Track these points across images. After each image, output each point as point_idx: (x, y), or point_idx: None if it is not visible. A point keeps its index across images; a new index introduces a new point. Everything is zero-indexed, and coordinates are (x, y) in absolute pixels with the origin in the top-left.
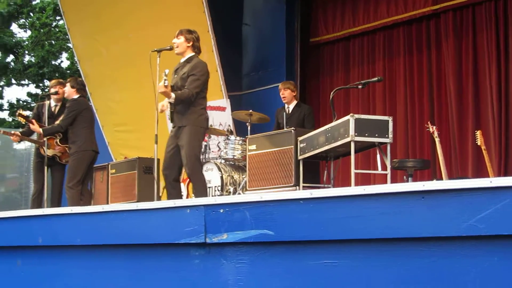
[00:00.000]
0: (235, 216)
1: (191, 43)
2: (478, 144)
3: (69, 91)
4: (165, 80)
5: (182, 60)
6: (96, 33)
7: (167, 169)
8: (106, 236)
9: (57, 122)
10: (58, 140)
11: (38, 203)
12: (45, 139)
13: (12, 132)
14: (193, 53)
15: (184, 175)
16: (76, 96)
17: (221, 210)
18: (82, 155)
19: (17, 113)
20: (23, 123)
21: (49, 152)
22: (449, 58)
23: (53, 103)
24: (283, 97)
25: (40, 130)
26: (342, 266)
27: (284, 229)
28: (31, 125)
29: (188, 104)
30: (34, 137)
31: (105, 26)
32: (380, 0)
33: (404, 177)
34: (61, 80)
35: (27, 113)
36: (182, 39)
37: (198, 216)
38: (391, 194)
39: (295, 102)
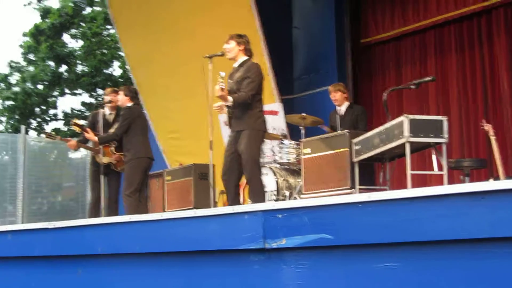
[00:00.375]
0: (293, 221)
1: (242, 47)
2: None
3: (123, 99)
4: (221, 83)
5: (236, 64)
6: (148, 40)
7: (226, 174)
8: (165, 243)
9: (112, 130)
10: (113, 148)
11: (96, 211)
12: (100, 146)
13: (69, 138)
14: (246, 57)
15: (242, 179)
16: (129, 104)
17: (279, 215)
18: (138, 162)
19: (72, 122)
20: (78, 132)
21: (104, 160)
22: (501, 55)
23: (107, 112)
24: (334, 100)
25: (96, 138)
26: (402, 269)
27: (343, 233)
28: (86, 134)
29: (245, 107)
30: (90, 145)
31: (156, 33)
32: None
33: (461, 177)
34: (115, 88)
35: (82, 122)
36: (233, 43)
37: (256, 222)
38: (450, 196)
39: (347, 103)
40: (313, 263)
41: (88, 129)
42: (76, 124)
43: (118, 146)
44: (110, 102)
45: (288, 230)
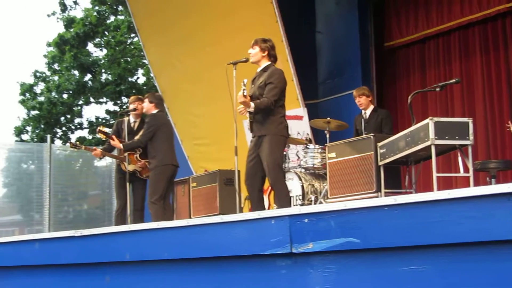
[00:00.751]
0: (320, 225)
1: (266, 52)
2: None
3: (148, 106)
4: (243, 90)
5: (259, 69)
6: (171, 48)
7: (249, 179)
8: (192, 249)
9: (137, 137)
10: (138, 155)
11: (122, 219)
12: (125, 154)
13: (93, 147)
14: (269, 62)
15: (265, 185)
16: (155, 111)
17: (306, 220)
18: (162, 169)
19: (97, 130)
20: (104, 139)
21: (130, 168)
22: None
23: (132, 119)
24: (359, 104)
25: (121, 145)
26: (430, 271)
27: (369, 236)
28: (111, 141)
29: (267, 113)
30: (115, 153)
31: (179, 40)
32: (453, 0)
33: (487, 178)
34: (139, 96)
35: (107, 129)
36: (257, 49)
37: (283, 227)
38: (476, 197)
39: (372, 107)
40: (340, 267)
41: (113, 136)
42: (101, 132)
43: (142, 153)
44: (134, 110)
45: (315, 234)
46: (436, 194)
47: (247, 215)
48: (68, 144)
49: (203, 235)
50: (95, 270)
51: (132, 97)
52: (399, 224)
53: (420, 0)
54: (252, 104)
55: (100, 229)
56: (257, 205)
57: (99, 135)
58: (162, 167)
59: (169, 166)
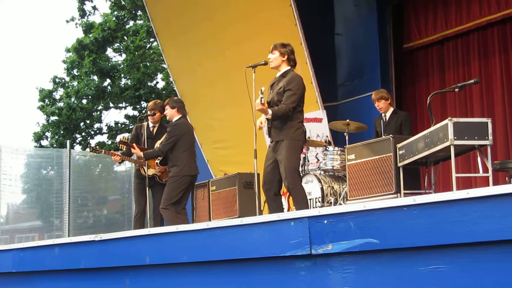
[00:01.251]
0: (339, 226)
1: (285, 57)
2: None
3: (171, 113)
4: (261, 98)
5: (278, 74)
6: (190, 51)
7: (267, 183)
8: (212, 252)
9: (158, 145)
10: (158, 162)
11: (140, 224)
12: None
13: (114, 152)
14: (289, 67)
15: (284, 188)
16: (178, 116)
17: (325, 221)
18: (180, 180)
19: (118, 142)
20: (123, 149)
21: (149, 172)
22: None
23: (151, 124)
24: (379, 108)
25: (141, 153)
26: (450, 271)
27: (389, 237)
28: (132, 150)
29: (285, 119)
30: (134, 157)
31: (198, 44)
32: (472, 1)
33: (507, 178)
34: (157, 101)
35: (127, 136)
36: (276, 53)
37: (302, 228)
38: (496, 196)
39: (391, 109)
40: (360, 267)
41: (134, 145)
42: (122, 142)
43: (163, 160)
44: (153, 115)
45: (334, 236)
46: (455, 194)
47: (267, 217)
48: (88, 149)
49: (223, 238)
50: (115, 274)
51: (150, 103)
52: (418, 224)
53: (439, 1)
54: (270, 111)
55: (120, 233)
56: (275, 209)
57: (120, 147)
58: (180, 178)
59: (187, 177)
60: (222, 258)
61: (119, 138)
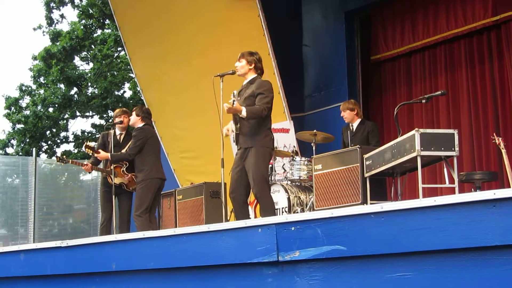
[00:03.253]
0: (307, 233)
1: (253, 65)
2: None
3: (134, 120)
4: (233, 101)
5: (245, 82)
6: (158, 61)
7: (234, 191)
8: (178, 259)
9: (124, 150)
10: (124, 169)
11: (107, 232)
12: (112, 167)
13: (85, 162)
14: (256, 75)
15: (251, 197)
16: (141, 124)
17: (293, 228)
18: (149, 183)
19: (84, 145)
20: (90, 154)
21: (116, 181)
22: (511, 68)
23: (118, 131)
24: (344, 118)
25: (108, 155)
26: (417, 278)
27: (356, 244)
28: (97, 155)
29: (253, 125)
30: (101, 166)
31: (166, 53)
32: (439, 14)
33: (472, 189)
34: (124, 109)
35: (93, 143)
36: (243, 61)
37: (269, 235)
38: (462, 204)
39: (358, 120)
40: (327, 274)
41: (99, 150)
42: (88, 147)
43: (129, 167)
44: (121, 122)
45: (302, 242)
46: (422, 202)
47: (234, 223)
48: (54, 158)
49: (190, 244)
50: (81, 281)
51: (117, 110)
52: (385, 232)
53: (406, 14)
54: (244, 109)
55: (86, 239)
56: (243, 217)
57: (85, 150)
58: (149, 181)
59: (156, 179)
60: (189, 264)
61: (85, 143)
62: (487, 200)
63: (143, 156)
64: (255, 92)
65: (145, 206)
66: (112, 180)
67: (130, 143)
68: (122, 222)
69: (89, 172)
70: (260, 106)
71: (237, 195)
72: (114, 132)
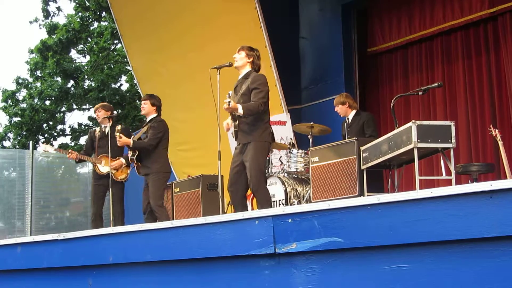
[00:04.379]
0: (304, 225)
1: (251, 59)
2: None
3: (149, 109)
4: (229, 102)
5: (240, 76)
6: (155, 53)
7: (232, 186)
8: (176, 251)
9: (146, 140)
10: (133, 157)
11: (96, 226)
12: (99, 156)
13: (69, 150)
14: (251, 69)
15: (248, 190)
16: (155, 114)
17: (289, 220)
18: (165, 177)
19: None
20: (119, 138)
21: (103, 170)
22: (508, 60)
23: (102, 125)
24: (339, 113)
25: (130, 141)
26: (413, 269)
27: (353, 236)
28: (120, 139)
29: (252, 120)
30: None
31: (163, 46)
32: (436, 6)
33: (469, 181)
34: (101, 103)
35: (74, 154)
36: (243, 54)
37: (266, 227)
38: (459, 196)
39: (353, 111)
40: (324, 266)
41: (121, 135)
42: (77, 158)
43: (138, 156)
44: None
45: (299, 235)
46: (419, 193)
47: (231, 216)
48: (42, 145)
49: (187, 237)
50: (78, 274)
51: (96, 106)
52: (382, 223)
53: (403, 7)
54: (240, 107)
55: (83, 232)
56: (240, 210)
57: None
58: (165, 174)
59: (169, 174)
60: (186, 257)
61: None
62: (484, 192)
63: (159, 148)
64: (250, 87)
65: (163, 196)
66: (100, 170)
67: (149, 133)
68: (116, 213)
69: (76, 161)
70: (256, 102)
71: (235, 189)
72: (101, 127)
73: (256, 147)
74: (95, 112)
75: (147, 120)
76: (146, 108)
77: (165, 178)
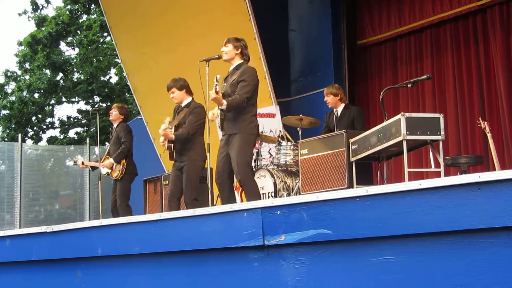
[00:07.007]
0: (292, 217)
1: (239, 50)
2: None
3: (181, 95)
4: (216, 85)
5: (231, 67)
6: (144, 46)
7: (220, 177)
8: (164, 243)
9: (185, 128)
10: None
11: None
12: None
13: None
14: (242, 60)
15: (236, 183)
16: (189, 99)
17: (278, 212)
18: (200, 165)
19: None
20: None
21: (103, 171)
22: (497, 53)
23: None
24: (328, 103)
25: (172, 136)
26: (401, 261)
27: (341, 228)
28: (165, 137)
29: (238, 111)
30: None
31: (152, 39)
32: None
33: (458, 173)
34: (122, 106)
35: (92, 163)
36: (230, 46)
37: (255, 219)
38: (447, 187)
39: (343, 105)
40: (312, 258)
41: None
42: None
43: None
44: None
45: (287, 227)
46: (408, 185)
47: (220, 208)
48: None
49: (176, 229)
50: (67, 266)
51: (114, 105)
52: (371, 215)
53: None
54: (225, 102)
55: (72, 224)
56: (228, 202)
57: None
58: (201, 162)
59: (205, 161)
60: (175, 249)
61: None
62: (472, 183)
63: (197, 135)
64: (238, 79)
65: (197, 188)
66: (100, 171)
67: (189, 119)
68: (114, 208)
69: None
70: (240, 97)
71: (222, 181)
72: (112, 127)
73: (241, 140)
74: (110, 109)
75: (182, 105)
76: (176, 95)
77: (201, 166)
